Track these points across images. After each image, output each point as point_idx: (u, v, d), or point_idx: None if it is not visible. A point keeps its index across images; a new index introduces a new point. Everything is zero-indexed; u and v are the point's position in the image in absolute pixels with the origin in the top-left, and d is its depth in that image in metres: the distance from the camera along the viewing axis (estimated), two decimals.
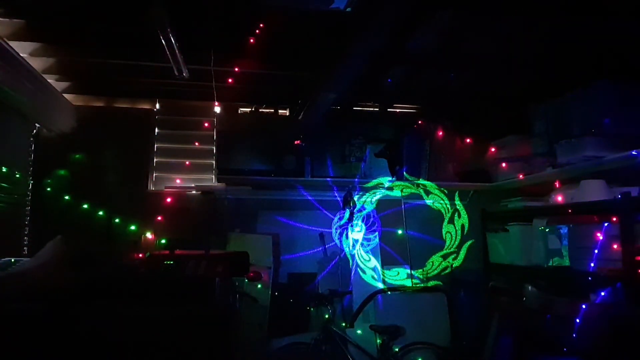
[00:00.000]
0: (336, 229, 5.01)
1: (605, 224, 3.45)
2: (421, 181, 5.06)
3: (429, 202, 5.24)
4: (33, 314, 0.80)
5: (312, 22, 3.57)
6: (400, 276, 5.02)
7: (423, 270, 5.12)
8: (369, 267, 4.92)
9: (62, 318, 0.83)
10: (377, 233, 5.03)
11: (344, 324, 4.41)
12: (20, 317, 0.78)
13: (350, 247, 4.91)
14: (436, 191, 5.19)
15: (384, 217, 5.14)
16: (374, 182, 5.04)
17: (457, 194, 5.27)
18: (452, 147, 5.26)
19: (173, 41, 3.40)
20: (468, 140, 5.27)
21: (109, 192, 4.71)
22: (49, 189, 4.61)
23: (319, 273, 4.89)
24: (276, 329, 4.36)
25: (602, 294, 3.30)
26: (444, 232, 5.26)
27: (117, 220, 4.66)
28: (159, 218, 4.75)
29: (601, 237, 3.45)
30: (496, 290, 4.60)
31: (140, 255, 4.05)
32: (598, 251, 3.45)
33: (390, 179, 5.03)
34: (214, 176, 4.99)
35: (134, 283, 1.01)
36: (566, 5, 3.16)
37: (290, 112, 5.33)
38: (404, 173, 5.05)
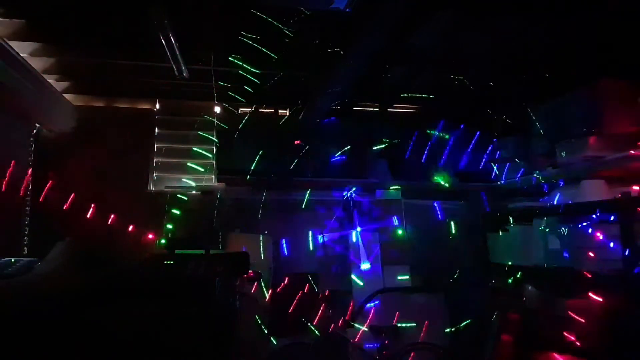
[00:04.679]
0: (336, 228, 5.01)
1: (605, 224, 3.45)
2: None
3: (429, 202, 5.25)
4: (42, 316, 0.81)
5: (312, 22, 3.57)
6: (400, 276, 5.01)
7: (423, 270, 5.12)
8: (369, 267, 4.91)
9: (70, 320, 0.83)
10: (377, 233, 5.03)
11: (344, 324, 4.42)
12: (29, 319, 0.78)
13: (350, 247, 4.91)
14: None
15: (384, 216, 5.13)
16: (374, 182, 5.03)
17: (456, 194, 5.28)
18: (453, 147, 5.26)
19: (173, 41, 3.40)
20: (468, 141, 5.27)
21: (109, 192, 4.71)
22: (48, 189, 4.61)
23: (319, 273, 4.89)
24: (276, 329, 4.36)
25: (602, 293, 3.29)
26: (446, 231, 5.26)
27: (117, 220, 4.65)
28: (159, 218, 4.74)
29: (601, 237, 3.44)
30: (496, 290, 4.60)
31: (140, 254, 4.05)
32: (598, 251, 3.45)
33: (390, 179, 5.03)
34: (214, 176, 4.98)
35: (134, 283, 1.01)
36: (566, 4, 3.16)
37: (290, 112, 5.33)
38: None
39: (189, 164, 5.01)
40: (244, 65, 4.04)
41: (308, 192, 5.08)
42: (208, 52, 3.88)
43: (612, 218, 3.41)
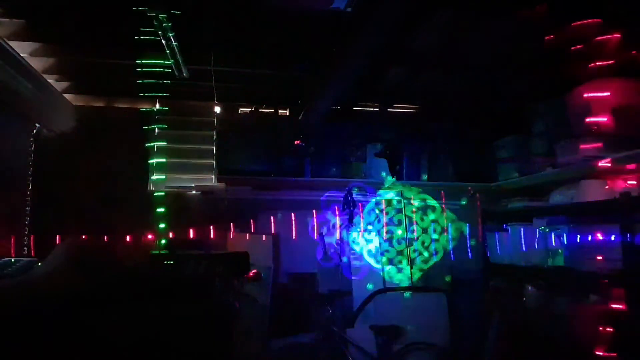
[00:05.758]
0: (336, 228, 5.01)
1: (606, 224, 3.45)
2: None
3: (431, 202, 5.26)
4: (42, 316, 0.80)
5: (312, 22, 3.57)
6: (399, 275, 5.02)
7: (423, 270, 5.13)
8: (368, 266, 4.91)
9: (69, 321, 0.82)
10: (377, 233, 5.03)
11: (344, 324, 4.41)
12: (29, 320, 0.78)
13: (351, 247, 4.91)
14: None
15: (384, 216, 5.14)
16: (374, 181, 5.04)
17: (455, 194, 5.28)
18: (452, 147, 5.27)
19: (173, 41, 3.40)
20: (468, 140, 5.28)
21: (108, 192, 4.71)
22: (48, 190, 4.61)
23: (319, 273, 4.88)
24: (276, 329, 4.36)
25: (602, 294, 3.29)
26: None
27: (117, 220, 4.65)
28: (159, 218, 4.75)
29: (601, 237, 3.44)
30: (496, 290, 4.59)
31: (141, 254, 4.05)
32: (598, 251, 3.45)
33: (390, 179, 5.03)
34: (214, 176, 4.98)
35: (133, 283, 1.01)
36: (566, 5, 3.16)
37: (290, 112, 5.33)
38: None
39: (189, 164, 5.02)
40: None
41: (308, 192, 5.08)
42: (208, 52, 3.88)
43: (612, 218, 3.41)
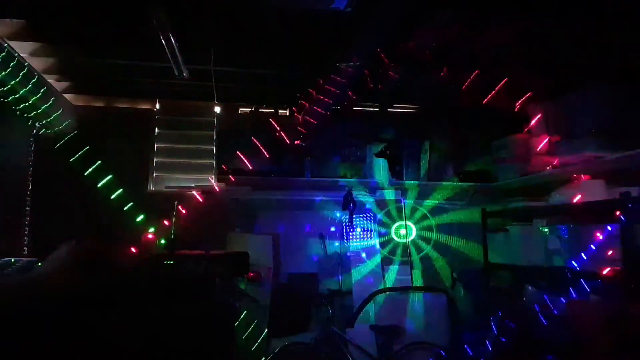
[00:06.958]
0: (336, 228, 5.01)
1: (606, 224, 3.45)
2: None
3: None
4: (40, 318, 0.80)
5: (312, 22, 3.57)
6: (400, 276, 5.02)
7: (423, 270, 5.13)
8: (368, 266, 4.92)
9: (69, 321, 0.82)
10: (376, 233, 5.03)
11: (344, 324, 4.42)
12: (28, 321, 0.78)
13: (350, 247, 4.91)
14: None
15: (384, 216, 5.14)
16: (374, 182, 5.04)
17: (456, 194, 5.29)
18: (452, 147, 5.27)
19: (173, 41, 3.40)
20: (468, 140, 5.28)
21: (108, 192, 4.71)
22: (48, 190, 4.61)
23: (319, 273, 4.89)
24: (276, 329, 4.37)
25: (602, 293, 3.30)
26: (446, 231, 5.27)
27: (116, 220, 4.65)
28: (159, 218, 4.74)
29: (601, 237, 3.44)
30: (496, 290, 4.60)
31: (138, 252, 4.05)
32: (598, 251, 3.45)
33: (390, 179, 5.04)
34: (214, 176, 4.99)
35: (133, 283, 1.01)
36: (567, 5, 3.16)
37: (290, 112, 5.33)
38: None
39: (189, 164, 5.01)
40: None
41: (308, 192, 5.08)
42: (208, 52, 3.88)
43: (612, 218, 3.42)
